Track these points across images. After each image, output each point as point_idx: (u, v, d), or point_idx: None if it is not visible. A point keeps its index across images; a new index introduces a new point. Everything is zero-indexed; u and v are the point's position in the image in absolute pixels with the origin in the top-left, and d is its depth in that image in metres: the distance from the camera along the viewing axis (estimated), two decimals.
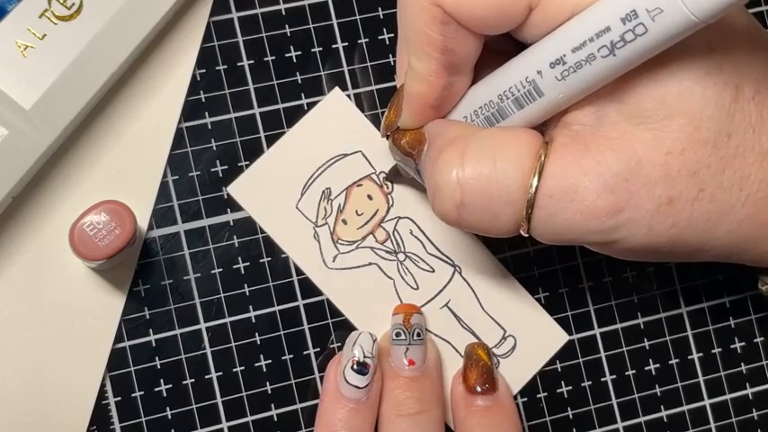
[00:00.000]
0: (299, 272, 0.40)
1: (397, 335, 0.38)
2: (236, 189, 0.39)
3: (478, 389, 0.38)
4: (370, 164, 0.40)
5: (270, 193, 0.40)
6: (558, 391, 0.41)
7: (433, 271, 0.40)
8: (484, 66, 0.32)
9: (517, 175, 0.29)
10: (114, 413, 0.38)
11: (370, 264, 0.40)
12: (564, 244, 0.31)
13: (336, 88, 0.40)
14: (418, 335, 0.38)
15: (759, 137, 0.29)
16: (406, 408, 0.37)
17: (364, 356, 0.37)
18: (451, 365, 0.40)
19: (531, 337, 0.41)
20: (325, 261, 0.40)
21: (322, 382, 0.38)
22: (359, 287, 0.40)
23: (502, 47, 0.32)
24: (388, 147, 0.35)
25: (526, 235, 0.30)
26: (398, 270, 0.40)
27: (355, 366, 0.36)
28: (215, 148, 0.40)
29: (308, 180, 0.40)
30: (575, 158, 0.29)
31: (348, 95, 0.40)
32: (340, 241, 0.40)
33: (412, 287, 0.40)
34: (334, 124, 0.40)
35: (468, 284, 0.40)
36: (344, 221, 0.40)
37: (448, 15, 0.30)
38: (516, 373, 0.40)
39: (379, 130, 0.36)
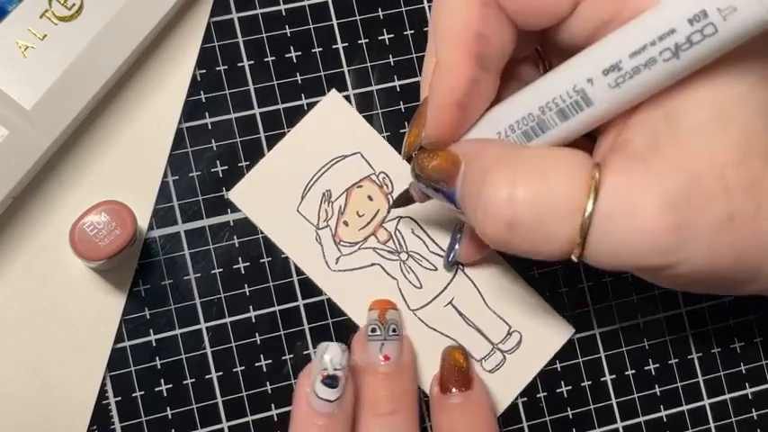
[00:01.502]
0: (299, 272, 0.40)
1: (373, 330, 0.38)
2: (236, 195, 0.39)
3: (453, 390, 0.38)
4: (370, 165, 0.40)
5: (270, 197, 0.40)
6: (558, 391, 0.41)
7: (436, 269, 0.40)
8: (503, 91, 0.31)
9: (572, 193, 0.28)
10: (114, 413, 0.38)
11: (372, 264, 0.40)
12: (618, 269, 0.30)
13: (333, 90, 0.40)
14: (394, 330, 0.38)
15: None
16: (382, 406, 0.36)
17: (334, 369, 0.35)
18: None
19: (536, 331, 0.41)
20: (327, 263, 0.40)
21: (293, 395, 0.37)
22: (363, 288, 0.40)
23: (520, 75, 0.31)
24: (411, 170, 0.34)
25: (576, 260, 0.29)
26: (401, 269, 0.40)
27: (326, 380, 0.35)
28: (215, 149, 0.40)
29: (308, 183, 0.40)
30: (632, 176, 0.28)
31: (347, 96, 0.40)
32: (342, 243, 0.40)
33: (415, 286, 0.40)
34: (332, 126, 0.40)
35: (472, 281, 0.40)
36: (346, 223, 0.40)
37: None
38: (523, 367, 0.40)
39: (401, 152, 0.35)
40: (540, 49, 0.34)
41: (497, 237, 0.29)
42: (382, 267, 0.40)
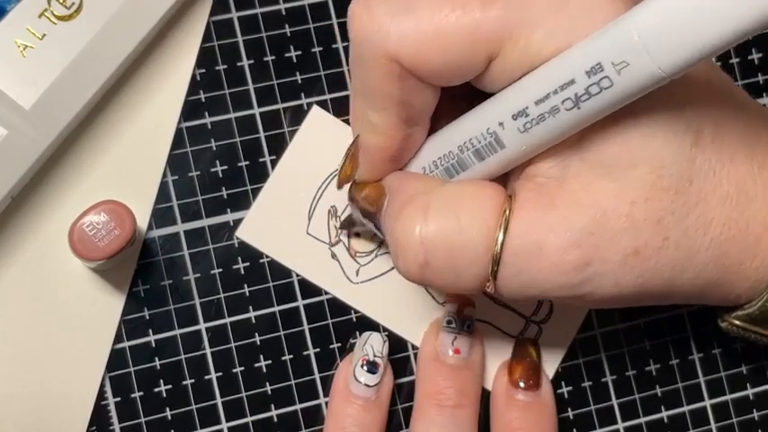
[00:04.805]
0: (298, 273, 0.40)
1: (449, 322, 0.38)
2: (243, 232, 0.39)
3: (522, 384, 0.38)
4: None
5: (277, 226, 0.39)
6: (559, 391, 0.41)
7: None
8: (442, 112, 0.32)
9: (482, 231, 0.29)
10: (114, 414, 0.38)
11: (393, 268, 0.40)
12: (530, 299, 0.30)
13: (315, 106, 0.40)
14: (468, 326, 0.38)
15: (719, 179, 0.29)
16: (446, 398, 0.37)
17: (374, 356, 0.37)
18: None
19: (552, 318, 0.40)
20: (348, 277, 0.40)
21: (331, 383, 0.38)
22: (390, 294, 0.39)
23: (460, 92, 0.31)
24: (347, 198, 0.35)
25: (491, 291, 0.30)
26: None
27: (365, 365, 0.37)
28: (215, 148, 0.39)
29: (312, 203, 0.40)
30: (539, 214, 0.28)
31: (348, 95, 0.40)
32: (358, 254, 0.40)
33: None
34: (321, 141, 0.40)
35: None
36: (357, 234, 0.40)
37: (406, 70, 0.29)
38: (559, 334, 0.40)
39: (336, 183, 0.35)
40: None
41: (411, 275, 0.30)
42: None
